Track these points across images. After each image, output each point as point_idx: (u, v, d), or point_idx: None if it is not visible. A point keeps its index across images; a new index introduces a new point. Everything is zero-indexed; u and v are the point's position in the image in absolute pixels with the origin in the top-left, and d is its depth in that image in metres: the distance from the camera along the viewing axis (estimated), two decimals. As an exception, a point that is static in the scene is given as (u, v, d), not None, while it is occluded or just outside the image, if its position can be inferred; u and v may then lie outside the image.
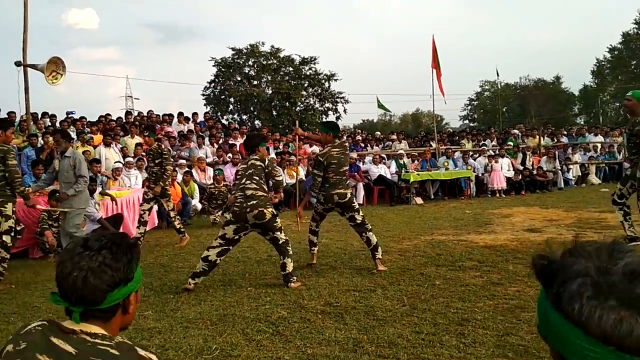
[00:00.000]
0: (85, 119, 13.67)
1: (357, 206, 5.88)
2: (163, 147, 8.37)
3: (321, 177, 5.76)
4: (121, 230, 8.63)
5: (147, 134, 8.83)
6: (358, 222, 5.82)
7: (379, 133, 21.35)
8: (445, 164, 14.20)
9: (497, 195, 13.79)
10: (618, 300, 0.81)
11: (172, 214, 8.21)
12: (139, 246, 1.54)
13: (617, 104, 42.40)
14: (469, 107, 53.87)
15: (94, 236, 1.46)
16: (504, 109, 50.06)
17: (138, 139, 12.57)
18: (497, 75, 54.21)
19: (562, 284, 0.87)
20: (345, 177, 5.90)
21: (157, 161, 8.10)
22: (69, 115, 13.94)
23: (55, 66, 10.63)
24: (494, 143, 16.65)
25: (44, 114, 13.36)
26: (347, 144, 5.86)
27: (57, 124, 12.76)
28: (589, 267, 0.86)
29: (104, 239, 1.43)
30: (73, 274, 1.36)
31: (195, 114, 16.18)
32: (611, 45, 41.28)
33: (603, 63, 41.76)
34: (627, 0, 77.50)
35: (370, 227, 5.84)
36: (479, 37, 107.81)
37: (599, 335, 0.82)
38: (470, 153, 15.33)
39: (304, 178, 13.02)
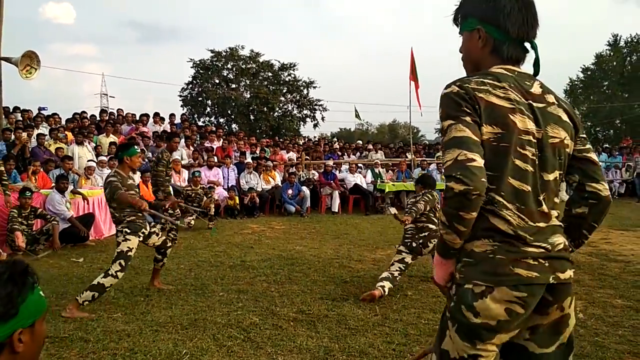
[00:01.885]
0: (58, 115, 13.40)
1: None
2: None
3: None
4: (92, 230, 8.48)
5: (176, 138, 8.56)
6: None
7: (360, 142, 21.43)
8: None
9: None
10: None
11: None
12: (30, 276, 1.35)
13: (589, 124, 43.43)
14: (445, 120, 54.53)
15: None
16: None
17: (113, 138, 12.39)
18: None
19: None
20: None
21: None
22: (41, 111, 13.65)
23: (29, 60, 10.41)
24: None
25: (16, 109, 13.06)
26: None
27: (30, 119, 12.47)
28: None
29: None
30: None
31: (172, 115, 16.03)
32: (584, 65, 42.30)
33: (576, 83, 42.68)
34: (601, 23, 79.71)
35: None
36: (457, 52, 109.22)
37: None
38: (445, 165, 15.48)
39: (279, 184, 13.01)
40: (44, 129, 11.67)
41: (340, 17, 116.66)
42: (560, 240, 1.68)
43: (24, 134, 9.98)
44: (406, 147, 18.05)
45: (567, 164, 1.77)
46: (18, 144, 9.69)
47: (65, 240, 7.95)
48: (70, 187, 8.75)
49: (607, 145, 24.31)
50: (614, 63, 39.78)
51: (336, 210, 13.01)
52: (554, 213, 1.71)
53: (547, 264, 1.63)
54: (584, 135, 1.82)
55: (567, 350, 1.74)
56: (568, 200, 1.83)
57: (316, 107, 35.41)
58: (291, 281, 5.71)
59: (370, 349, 3.70)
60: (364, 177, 14.25)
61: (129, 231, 4.80)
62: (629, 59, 39.23)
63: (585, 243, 1.85)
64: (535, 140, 1.67)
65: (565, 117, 1.74)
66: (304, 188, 12.83)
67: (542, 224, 1.65)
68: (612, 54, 39.90)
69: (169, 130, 14.33)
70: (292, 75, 35.22)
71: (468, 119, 1.62)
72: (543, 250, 1.63)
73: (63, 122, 13.06)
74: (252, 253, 7.33)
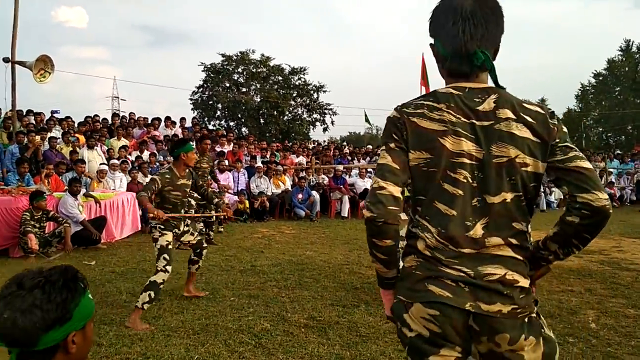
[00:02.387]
0: (71, 118, 13.52)
1: None
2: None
3: None
4: (104, 233, 8.55)
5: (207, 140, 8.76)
6: None
7: (370, 146, 21.45)
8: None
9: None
10: None
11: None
12: (81, 281, 1.45)
13: (600, 129, 43.06)
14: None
15: (30, 274, 1.39)
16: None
17: (124, 142, 12.49)
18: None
19: None
20: None
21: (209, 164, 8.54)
22: (54, 114, 13.79)
23: (43, 64, 10.52)
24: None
25: (29, 112, 13.19)
26: None
27: (42, 122, 12.60)
28: None
29: (38, 277, 1.36)
30: (4, 315, 1.31)
31: (183, 119, 16.14)
32: (596, 70, 42.06)
33: (587, 88, 42.49)
34: (613, 28, 79.17)
35: None
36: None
37: None
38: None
39: (289, 188, 13.03)
40: (56, 132, 11.79)
41: (350, 24, 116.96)
42: (496, 271, 1.57)
43: (37, 137, 10.08)
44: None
45: (532, 183, 1.63)
46: (31, 147, 9.80)
47: (77, 243, 8.02)
48: (83, 190, 8.82)
49: (619, 152, 24.12)
50: (626, 68, 39.56)
51: (346, 215, 13.02)
52: (495, 240, 1.59)
53: (466, 289, 1.57)
54: (566, 144, 1.62)
55: None
56: (565, 207, 1.65)
57: (326, 111, 35.50)
58: (302, 287, 5.71)
59: (382, 357, 3.70)
60: (374, 182, 14.22)
61: (162, 227, 4.81)
62: (641, 64, 38.97)
63: (575, 253, 1.66)
64: (473, 162, 1.60)
65: (523, 133, 1.60)
66: (314, 192, 12.85)
67: (468, 250, 1.58)
68: (624, 59, 39.66)
69: (179, 135, 14.44)
70: (302, 80, 35.36)
71: (393, 145, 1.65)
72: (464, 275, 1.57)
73: (76, 126, 13.19)
74: (262, 257, 7.35)
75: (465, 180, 1.60)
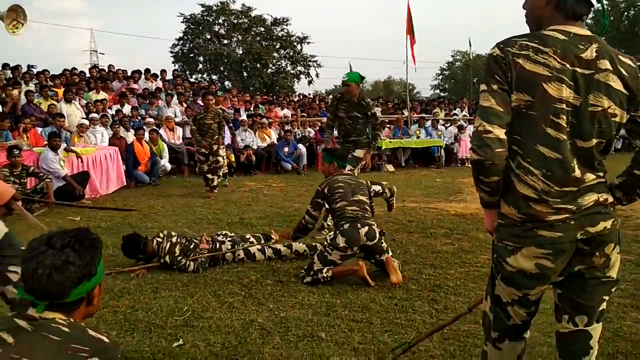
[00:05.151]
0: (48, 71, 13.08)
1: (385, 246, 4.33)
2: (226, 113, 8.82)
3: (313, 217, 4.51)
4: (87, 188, 8.39)
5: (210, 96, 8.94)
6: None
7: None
8: (417, 132, 14.24)
9: (466, 164, 13.96)
10: None
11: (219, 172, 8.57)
12: (100, 241, 1.63)
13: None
14: (440, 77, 53.93)
15: (57, 234, 1.54)
16: (475, 80, 50.41)
17: (103, 95, 12.14)
18: (470, 45, 54.30)
19: None
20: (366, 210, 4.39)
21: (216, 121, 8.48)
22: (30, 69, 13.33)
23: (15, 14, 10.03)
24: (464, 113, 16.75)
25: (5, 65, 12.73)
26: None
27: (20, 77, 12.18)
28: None
29: (66, 237, 1.52)
30: (38, 272, 1.46)
31: (163, 72, 15.72)
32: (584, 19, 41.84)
33: (573, 38, 42.32)
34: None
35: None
36: (454, 8, 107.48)
37: None
38: (442, 122, 15.40)
39: (275, 141, 12.88)
40: (33, 86, 11.41)
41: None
42: (592, 197, 1.73)
43: (15, 91, 9.75)
44: (402, 104, 17.86)
45: (614, 132, 1.75)
46: (9, 101, 9.49)
47: (61, 199, 7.86)
48: (63, 145, 8.60)
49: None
50: (612, 18, 39.18)
51: (333, 168, 12.93)
52: (590, 176, 1.74)
53: (572, 223, 1.72)
54: None
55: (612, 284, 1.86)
56: (632, 159, 1.84)
57: (310, 63, 34.94)
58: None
59: (372, 304, 3.70)
60: (360, 134, 14.11)
61: None
62: (626, 13, 38.68)
63: (637, 200, 1.88)
64: (570, 109, 1.67)
65: (617, 85, 1.69)
66: (300, 146, 12.72)
67: (571, 188, 1.71)
68: (609, 9, 39.26)
69: (161, 87, 14.10)
70: (285, 31, 34.60)
71: (496, 86, 1.69)
72: (569, 214, 1.71)
73: (53, 79, 12.77)
74: (249, 210, 7.29)
75: (565, 125, 1.69)
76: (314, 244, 5.06)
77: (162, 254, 4.47)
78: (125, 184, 9.68)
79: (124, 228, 6.21)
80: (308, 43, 34.74)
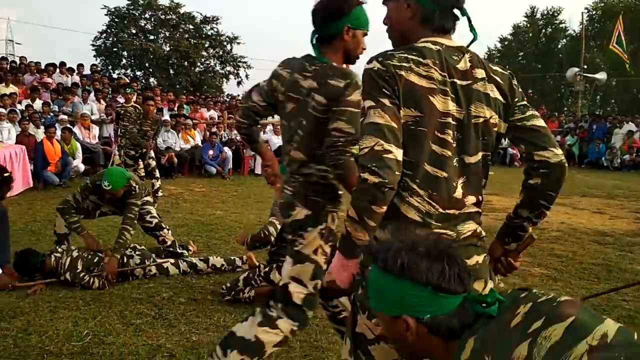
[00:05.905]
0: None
1: None
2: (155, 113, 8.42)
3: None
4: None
5: (128, 90, 8.67)
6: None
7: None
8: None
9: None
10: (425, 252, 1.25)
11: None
12: None
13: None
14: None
15: None
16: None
17: (13, 88, 11.25)
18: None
19: (387, 250, 1.28)
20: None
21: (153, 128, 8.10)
22: None
23: None
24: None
25: None
26: None
27: None
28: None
29: None
30: None
31: (80, 66, 14.83)
32: (501, 35, 43.70)
33: (493, 52, 44.07)
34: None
35: None
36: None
37: (418, 279, 1.22)
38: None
39: (200, 144, 12.45)
40: None
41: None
42: (470, 227, 1.63)
43: None
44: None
45: (494, 144, 1.67)
46: None
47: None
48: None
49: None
50: (530, 34, 41.39)
51: (259, 173, 12.67)
52: (472, 199, 1.63)
53: None
54: (524, 103, 1.70)
55: None
56: (524, 172, 1.73)
57: (240, 64, 34.38)
58: (210, 249, 5.39)
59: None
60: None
61: None
62: (543, 30, 40.92)
63: (546, 214, 1.75)
64: (455, 122, 1.58)
65: (494, 94, 1.63)
66: (226, 149, 12.38)
67: (453, 211, 1.60)
68: (528, 25, 41.43)
69: (78, 82, 13.29)
70: (215, 30, 33.85)
71: (387, 101, 1.52)
72: (447, 237, 1.61)
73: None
74: (168, 218, 6.85)
75: (451, 141, 1.58)
76: (232, 257, 4.81)
77: (62, 271, 4.06)
78: (31, 185, 8.96)
79: (25, 235, 5.71)
80: (238, 43, 34.14)
